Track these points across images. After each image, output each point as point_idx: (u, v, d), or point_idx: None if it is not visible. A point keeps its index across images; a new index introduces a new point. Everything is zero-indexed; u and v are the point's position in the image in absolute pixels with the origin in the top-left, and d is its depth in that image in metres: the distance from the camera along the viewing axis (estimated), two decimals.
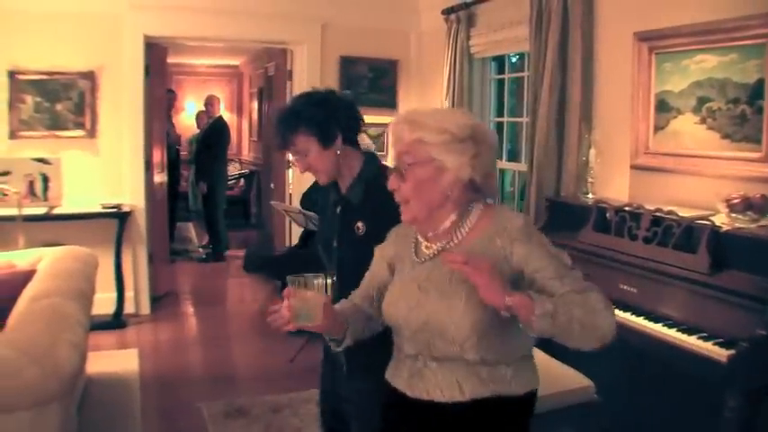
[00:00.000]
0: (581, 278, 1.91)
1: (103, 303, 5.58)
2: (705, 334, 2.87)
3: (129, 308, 6.11)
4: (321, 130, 2.43)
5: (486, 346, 1.90)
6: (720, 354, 2.74)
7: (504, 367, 1.96)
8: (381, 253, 2.23)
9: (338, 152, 2.47)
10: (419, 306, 1.97)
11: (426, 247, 2.06)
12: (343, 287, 2.47)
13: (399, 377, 2.07)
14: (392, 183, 2.00)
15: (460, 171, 1.93)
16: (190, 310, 6.82)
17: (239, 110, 13.58)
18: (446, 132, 1.92)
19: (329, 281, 2.03)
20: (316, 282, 2.01)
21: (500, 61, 6.10)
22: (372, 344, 2.23)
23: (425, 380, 2.00)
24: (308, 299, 1.94)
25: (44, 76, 5.79)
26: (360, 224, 2.47)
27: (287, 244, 6.98)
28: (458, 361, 1.94)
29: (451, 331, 1.90)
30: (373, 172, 2.55)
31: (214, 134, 9.06)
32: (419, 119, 1.96)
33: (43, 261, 3.83)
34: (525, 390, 2.00)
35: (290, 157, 2.74)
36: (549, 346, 3.65)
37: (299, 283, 1.99)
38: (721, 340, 2.80)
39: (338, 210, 2.56)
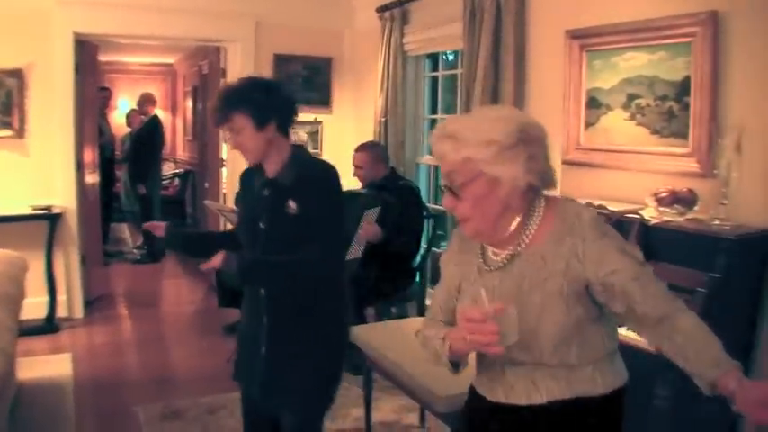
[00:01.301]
0: (652, 274, 1.85)
1: (35, 308, 5.47)
2: None
3: (61, 312, 5.98)
4: (258, 112, 2.55)
5: (564, 350, 1.86)
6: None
7: (585, 368, 1.90)
8: (447, 280, 2.12)
9: (269, 137, 2.59)
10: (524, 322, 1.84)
11: (494, 254, 1.96)
12: None
13: (481, 381, 2.06)
14: (447, 202, 1.89)
15: (516, 180, 1.80)
16: (125, 312, 6.70)
17: (173, 108, 13.41)
18: (493, 144, 1.78)
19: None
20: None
21: (434, 59, 6.14)
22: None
23: (504, 383, 1.97)
24: (510, 314, 1.76)
25: None
26: (291, 203, 2.56)
27: None
28: (536, 364, 1.90)
29: (528, 339, 1.84)
30: (304, 157, 2.72)
31: (149, 134, 8.92)
32: (461, 133, 1.82)
33: None
34: (610, 389, 1.94)
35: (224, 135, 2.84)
36: None
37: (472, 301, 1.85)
38: None
39: (266, 192, 2.65)
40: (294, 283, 2.58)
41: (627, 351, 2.85)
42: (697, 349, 1.78)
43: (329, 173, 2.68)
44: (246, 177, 2.84)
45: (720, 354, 1.76)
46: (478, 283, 1.95)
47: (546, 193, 1.93)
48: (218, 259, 2.46)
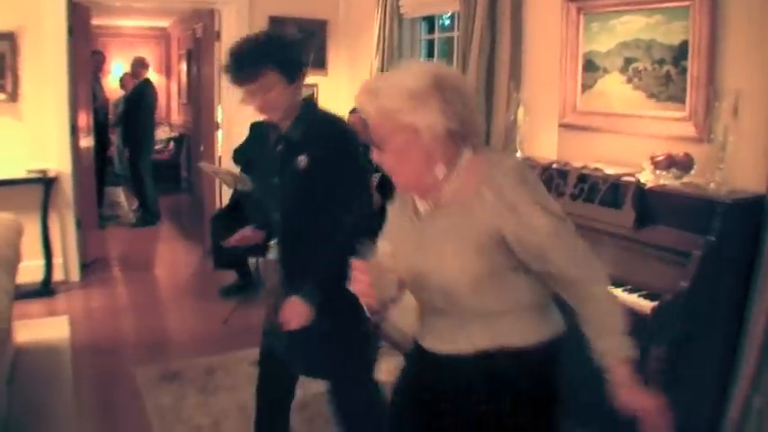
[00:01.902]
0: (572, 233, 1.86)
1: (31, 271, 5.49)
2: (630, 287, 2.96)
3: (58, 275, 5.98)
4: (288, 67, 2.54)
5: (483, 298, 1.87)
6: (645, 306, 2.83)
7: (508, 317, 1.91)
8: (387, 229, 2.13)
9: (297, 90, 2.60)
10: (416, 261, 1.93)
11: (421, 204, 1.97)
12: (286, 221, 2.65)
13: (418, 328, 2.09)
14: (375, 156, 1.90)
15: (434, 126, 1.78)
16: (121, 275, 6.71)
17: (168, 72, 13.31)
18: (404, 91, 1.78)
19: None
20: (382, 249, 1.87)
21: (430, 21, 6.09)
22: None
23: (433, 330, 2.01)
24: (385, 271, 1.83)
25: None
26: (301, 158, 2.55)
27: (217, 206, 6.91)
28: (459, 313, 1.92)
29: (445, 284, 1.87)
30: (312, 111, 2.71)
31: (139, 97, 8.86)
32: (375, 86, 1.83)
33: None
34: (537, 340, 1.94)
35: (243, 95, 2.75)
36: None
37: (370, 253, 1.86)
38: (646, 293, 2.89)
39: (279, 148, 2.65)
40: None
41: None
42: (602, 326, 1.89)
43: (338, 126, 2.69)
44: (257, 130, 2.83)
45: (622, 339, 1.89)
46: (408, 232, 1.99)
47: (474, 144, 1.92)
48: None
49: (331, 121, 2.70)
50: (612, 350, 1.88)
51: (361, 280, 1.85)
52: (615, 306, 1.89)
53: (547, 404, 2.03)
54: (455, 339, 1.95)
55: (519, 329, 1.92)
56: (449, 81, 1.82)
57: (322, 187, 2.55)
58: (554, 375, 2.03)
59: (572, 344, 2.03)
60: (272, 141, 2.72)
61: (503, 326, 1.91)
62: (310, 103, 2.78)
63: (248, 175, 5.39)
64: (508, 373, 1.92)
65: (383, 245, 1.89)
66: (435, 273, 1.89)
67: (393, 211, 2.12)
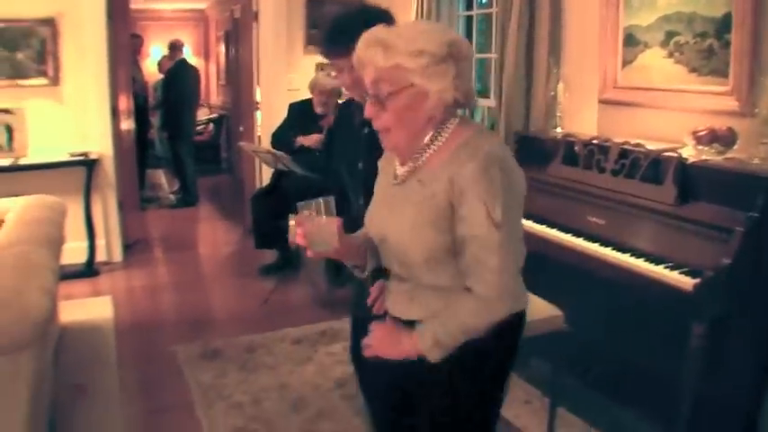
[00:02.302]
0: (502, 243, 1.78)
1: (75, 252, 5.57)
2: (672, 264, 2.93)
3: (101, 256, 6.07)
4: None
5: (437, 272, 1.87)
6: (686, 283, 2.79)
7: (460, 293, 1.87)
8: (375, 187, 2.15)
9: None
10: (382, 224, 1.96)
11: (400, 167, 1.97)
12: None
13: (386, 290, 2.11)
14: (369, 111, 1.88)
15: (444, 94, 1.80)
16: (162, 255, 6.80)
17: (206, 54, 13.39)
18: (424, 54, 1.77)
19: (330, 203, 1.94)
20: (325, 205, 1.88)
21: None
22: None
23: (393, 295, 2.04)
24: (323, 225, 1.87)
25: (2, 24, 5.62)
26: None
27: (257, 185, 6.96)
28: (415, 282, 1.93)
29: (403, 252, 1.90)
30: None
31: (175, 77, 8.92)
32: (392, 41, 1.80)
33: (11, 211, 3.79)
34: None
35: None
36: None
37: (309, 209, 1.88)
38: (687, 269, 2.85)
39: (365, 131, 2.56)
40: None
41: (664, 290, 2.87)
42: (444, 314, 1.86)
43: None
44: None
45: (441, 333, 1.85)
46: (384, 193, 2.02)
47: (462, 116, 1.92)
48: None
49: None
50: (430, 328, 1.87)
51: (297, 232, 1.88)
52: (466, 318, 1.84)
53: (489, 379, 2.02)
54: (409, 306, 1.97)
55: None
56: (463, 51, 1.83)
57: None
58: (501, 353, 2.03)
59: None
60: (358, 123, 2.63)
61: (455, 300, 1.88)
62: None
63: (292, 157, 5.41)
64: (470, 344, 1.91)
65: (319, 200, 1.88)
66: (394, 239, 1.91)
67: (381, 167, 2.12)
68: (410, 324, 1.95)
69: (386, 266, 2.04)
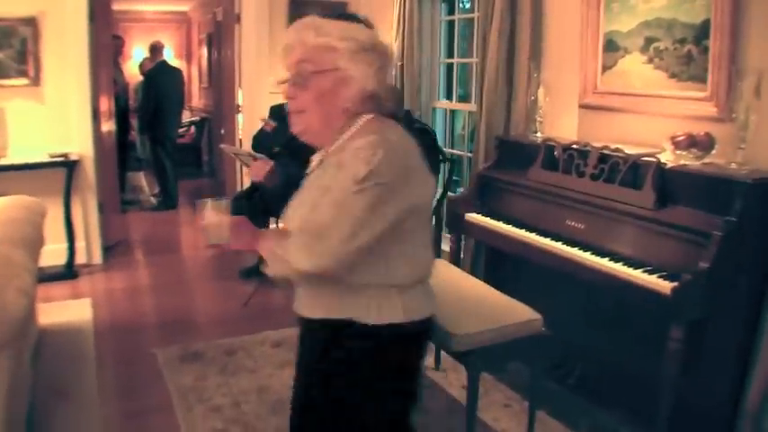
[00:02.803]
0: (356, 217, 1.74)
1: (55, 254, 5.54)
2: (650, 267, 2.95)
3: (80, 258, 6.04)
4: None
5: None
6: (665, 286, 2.81)
7: (358, 291, 1.88)
8: None
9: None
10: (290, 215, 1.96)
11: (316, 156, 1.99)
12: None
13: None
14: (289, 92, 1.89)
15: (366, 82, 1.84)
16: (142, 258, 6.77)
17: (188, 57, 13.35)
18: (353, 40, 1.82)
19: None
20: (222, 203, 2.04)
21: (450, 2, 6.05)
22: None
23: (299, 293, 2.06)
24: (216, 220, 2.00)
25: None
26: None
27: (238, 188, 6.94)
28: (317, 279, 1.90)
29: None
30: None
31: (156, 80, 8.87)
32: (325, 26, 1.84)
33: None
34: (384, 321, 1.89)
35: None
36: (496, 279, 3.74)
37: (205, 206, 2.03)
38: (665, 273, 2.88)
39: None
40: None
41: (642, 294, 2.89)
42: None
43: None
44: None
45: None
46: (304, 185, 2.01)
47: (379, 114, 1.93)
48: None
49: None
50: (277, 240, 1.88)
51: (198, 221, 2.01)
52: (282, 250, 1.85)
53: (388, 389, 1.98)
54: (311, 304, 1.98)
55: (367, 306, 1.88)
56: (386, 51, 1.90)
57: None
58: (402, 360, 1.99)
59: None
60: None
61: (354, 300, 1.88)
62: None
63: (275, 160, 5.40)
64: (351, 346, 1.91)
65: (220, 200, 2.04)
66: (294, 222, 1.91)
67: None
68: (307, 323, 2.03)
69: None
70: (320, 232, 1.75)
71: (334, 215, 1.74)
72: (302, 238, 1.78)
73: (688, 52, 3.45)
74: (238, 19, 6.98)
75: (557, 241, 3.40)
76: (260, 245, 1.90)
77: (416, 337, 2.00)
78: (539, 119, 4.21)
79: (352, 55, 1.81)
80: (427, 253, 1.91)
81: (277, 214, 2.04)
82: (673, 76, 3.56)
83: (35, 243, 3.45)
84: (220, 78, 8.30)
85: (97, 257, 6.27)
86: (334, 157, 1.86)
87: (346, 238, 1.74)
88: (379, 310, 1.88)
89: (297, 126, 1.92)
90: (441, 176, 5.32)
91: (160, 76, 8.80)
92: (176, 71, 9.24)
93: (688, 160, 3.18)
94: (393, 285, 1.89)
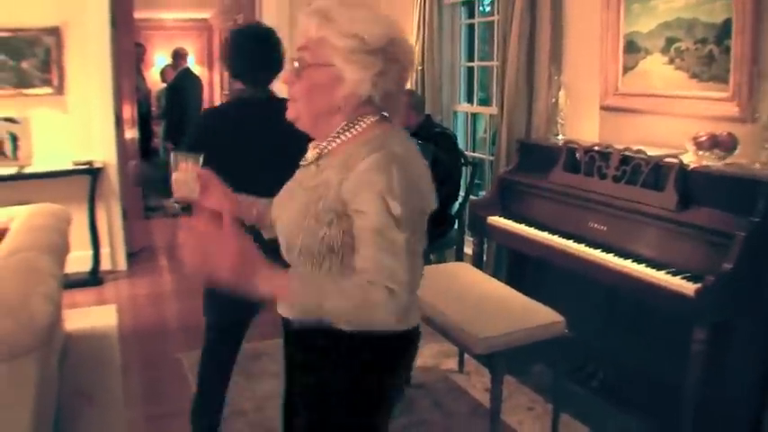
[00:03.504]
0: (399, 241, 1.63)
1: (80, 261, 5.60)
2: (673, 269, 2.94)
3: (105, 264, 6.10)
4: None
5: (313, 263, 1.77)
6: (688, 288, 2.80)
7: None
8: None
9: None
10: (279, 207, 1.91)
11: (310, 151, 1.89)
12: None
13: None
14: (287, 77, 1.82)
15: (359, 86, 1.72)
16: (166, 263, 6.81)
17: (210, 63, 13.43)
18: (355, 38, 1.69)
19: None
20: (191, 156, 2.01)
21: (470, 6, 6.06)
22: None
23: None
24: (185, 170, 1.99)
25: (7, 34, 5.66)
26: None
27: None
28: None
29: (286, 238, 1.83)
30: None
31: (180, 86, 8.93)
32: (332, 14, 1.72)
33: (15, 219, 3.82)
34: (355, 329, 1.71)
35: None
36: (519, 281, 3.73)
37: (177, 158, 2.01)
38: (689, 275, 2.86)
39: None
40: None
41: (665, 295, 2.88)
42: (321, 281, 1.71)
43: None
44: None
45: (305, 289, 1.65)
46: (296, 175, 1.93)
47: (384, 117, 1.82)
48: None
49: None
50: (304, 279, 1.70)
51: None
52: (352, 299, 1.62)
53: (360, 398, 1.86)
54: (288, 304, 1.86)
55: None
56: (399, 54, 1.75)
57: None
58: (377, 370, 1.85)
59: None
60: None
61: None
62: None
63: None
64: (325, 352, 1.82)
65: (189, 153, 2.01)
66: (282, 223, 1.86)
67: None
68: (285, 322, 1.98)
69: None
70: (392, 283, 1.62)
71: (393, 260, 1.63)
72: (375, 294, 1.62)
73: (709, 52, 3.43)
74: None
75: (579, 243, 3.40)
76: (270, 281, 1.63)
77: (403, 345, 1.89)
78: (560, 121, 4.20)
79: (348, 55, 1.69)
80: (422, 261, 1.80)
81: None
82: (694, 76, 3.54)
83: (61, 250, 3.49)
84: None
85: (122, 264, 6.32)
86: (333, 158, 1.78)
87: (411, 277, 1.67)
88: None
89: (289, 112, 1.84)
90: (463, 180, 5.33)
91: (185, 83, 8.87)
92: (198, 79, 9.31)
93: (710, 161, 3.16)
94: None
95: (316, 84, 1.75)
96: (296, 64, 1.78)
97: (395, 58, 1.73)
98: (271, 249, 1.83)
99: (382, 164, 1.65)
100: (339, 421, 1.87)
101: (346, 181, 1.68)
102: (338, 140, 1.79)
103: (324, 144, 1.81)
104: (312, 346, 1.85)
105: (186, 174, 1.99)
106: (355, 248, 1.69)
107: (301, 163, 1.91)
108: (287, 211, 1.85)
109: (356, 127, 1.78)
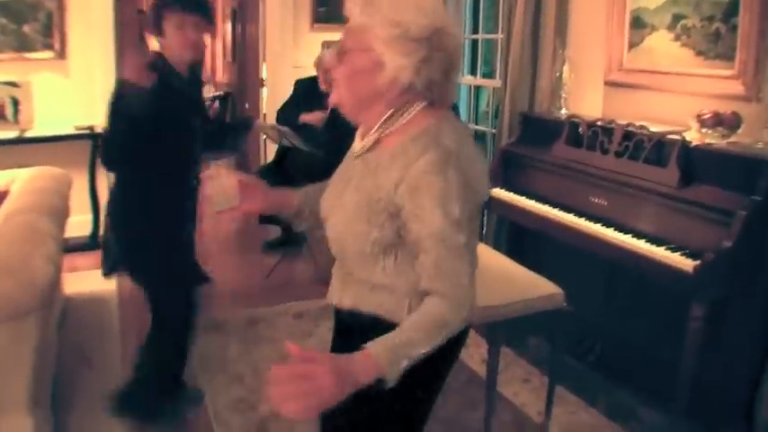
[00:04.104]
0: (459, 247, 1.61)
1: (80, 225, 5.59)
2: (673, 245, 2.95)
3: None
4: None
5: (370, 266, 1.75)
6: (687, 264, 2.81)
7: (393, 291, 1.75)
8: None
9: None
10: (329, 205, 1.86)
11: (358, 142, 1.85)
12: (198, 156, 2.86)
13: None
14: (331, 58, 1.78)
15: (400, 73, 1.65)
16: None
17: (213, 32, 13.34)
18: (399, 26, 1.62)
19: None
20: (223, 164, 1.97)
21: None
22: None
23: (332, 279, 1.95)
24: (225, 184, 1.93)
25: None
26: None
27: (262, 162, 6.96)
28: (348, 270, 1.83)
29: (337, 239, 1.80)
30: None
31: None
32: (376, 0, 1.67)
33: (16, 182, 3.82)
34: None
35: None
36: (519, 254, 3.74)
37: (209, 171, 1.95)
38: (688, 251, 2.88)
39: (196, 90, 2.91)
40: None
41: (664, 271, 2.89)
42: (401, 328, 1.59)
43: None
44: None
45: (393, 350, 1.52)
46: (341, 169, 1.90)
47: (432, 104, 1.74)
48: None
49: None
50: (381, 345, 1.53)
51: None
52: (426, 328, 1.58)
53: (413, 389, 1.80)
54: (341, 293, 1.87)
55: (401, 306, 1.75)
56: (445, 44, 1.67)
57: None
58: (432, 360, 1.70)
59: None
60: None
61: (386, 297, 1.77)
62: None
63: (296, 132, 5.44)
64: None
65: (220, 161, 1.94)
66: (332, 222, 1.82)
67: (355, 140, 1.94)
68: (337, 311, 1.89)
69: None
70: (458, 288, 1.62)
71: (457, 263, 1.62)
72: (443, 308, 1.61)
73: (716, 30, 3.42)
74: None
75: (579, 217, 3.40)
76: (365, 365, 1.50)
77: (461, 339, 1.86)
78: (563, 95, 4.19)
79: (390, 42, 1.63)
80: (475, 254, 1.75)
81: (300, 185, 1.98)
82: (700, 53, 3.52)
83: (61, 213, 3.50)
84: (244, 53, 8.30)
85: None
86: (383, 153, 1.73)
87: (472, 274, 1.67)
88: (409, 309, 1.74)
89: (333, 97, 1.81)
90: None
91: None
92: None
93: (714, 139, 3.16)
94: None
95: (357, 69, 1.70)
96: (339, 49, 1.75)
97: (440, 47, 1.67)
98: None
99: (438, 165, 1.61)
100: (388, 412, 1.83)
101: (401, 184, 1.64)
102: (385, 132, 1.74)
103: (371, 135, 1.76)
104: (356, 335, 1.74)
105: (222, 185, 1.95)
106: (416, 254, 1.66)
107: (348, 155, 1.88)
108: (337, 212, 1.81)
109: (404, 116, 1.73)
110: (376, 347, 1.51)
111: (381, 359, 1.49)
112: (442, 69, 1.69)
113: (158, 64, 2.91)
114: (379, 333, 1.61)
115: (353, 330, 1.83)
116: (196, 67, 2.98)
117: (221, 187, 1.86)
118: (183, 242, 3.22)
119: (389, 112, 1.73)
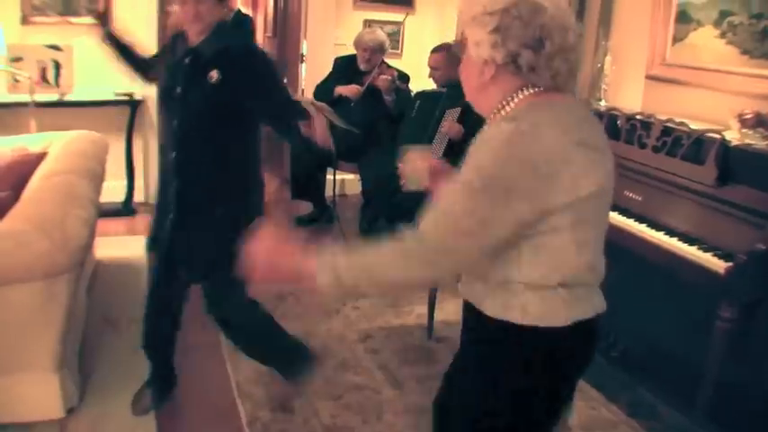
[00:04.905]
0: (466, 202, 1.56)
1: (114, 191, 5.64)
2: (705, 245, 2.92)
3: (138, 196, 6.15)
4: None
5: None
6: (719, 265, 2.79)
7: (480, 284, 1.74)
8: None
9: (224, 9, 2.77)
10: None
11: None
12: (187, 131, 2.79)
13: None
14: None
15: (479, 48, 1.61)
16: None
17: (254, 5, 13.35)
18: (478, 5, 1.60)
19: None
20: (422, 150, 2.08)
21: None
22: None
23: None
24: (416, 165, 2.05)
25: None
26: (213, 73, 2.66)
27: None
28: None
29: None
30: (236, 31, 3.02)
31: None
32: None
33: (54, 144, 3.86)
34: (496, 315, 1.70)
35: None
36: None
37: (406, 152, 2.09)
38: (720, 252, 2.85)
39: (187, 60, 2.75)
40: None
41: (694, 271, 2.86)
42: (361, 251, 1.64)
43: (253, 48, 2.94)
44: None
45: (339, 269, 1.62)
46: None
47: (543, 92, 1.67)
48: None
49: (245, 43, 2.92)
50: (331, 260, 1.64)
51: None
52: (390, 259, 1.60)
53: (523, 390, 1.77)
54: (469, 287, 1.81)
55: (487, 298, 1.73)
56: (522, 12, 1.57)
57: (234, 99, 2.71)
58: (510, 361, 1.74)
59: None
60: (180, 53, 2.82)
61: (475, 287, 1.76)
62: (245, 20, 2.97)
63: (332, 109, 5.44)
64: (476, 330, 1.81)
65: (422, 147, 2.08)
66: None
67: None
68: (466, 303, 1.85)
69: None
70: (426, 233, 1.61)
71: (444, 217, 1.61)
72: (407, 241, 1.62)
73: (764, 28, 3.37)
74: None
75: (612, 211, 3.38)
76: None
77: (537, 345, 1.74)
78: (604, 87, 4.16)
79: (472, 19, 1.62)
80: (582, 252, 1.73)
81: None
82: (745, 52, 3.48)
83: (98, 177, 3.54)
84: (285, 28, 8.28)
85: (154, 196, 6.36)
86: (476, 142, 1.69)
87: (452, 241, 1.61)
88: (493, 301, 1.72)
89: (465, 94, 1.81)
90: None
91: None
92: (250, 18, 9.28)
93: (754, 140, 3.12)
94: (520, 282, 1.67)
95: (463, 62, 1.73)
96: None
97: (515, 15, 1.57)
98: None
99: (497, 139, 1.56)
100: (505, 418, 1.80)
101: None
102: (496, 120, 1.68)
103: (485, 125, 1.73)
104: (486, 340, 1.78)
105: (415, 166, 2.06)
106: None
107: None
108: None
109: (510, 104, 1.67)
110: (321, 257, 1.66)
111: (316, 268, 1.64)
112: (523, 41, 1.59)
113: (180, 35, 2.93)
114: (483, 324, 1.74)
115: (477, 328, 1.82)
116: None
117: (411, 168, 1.91)
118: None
119: (498, 100, 1.68)
